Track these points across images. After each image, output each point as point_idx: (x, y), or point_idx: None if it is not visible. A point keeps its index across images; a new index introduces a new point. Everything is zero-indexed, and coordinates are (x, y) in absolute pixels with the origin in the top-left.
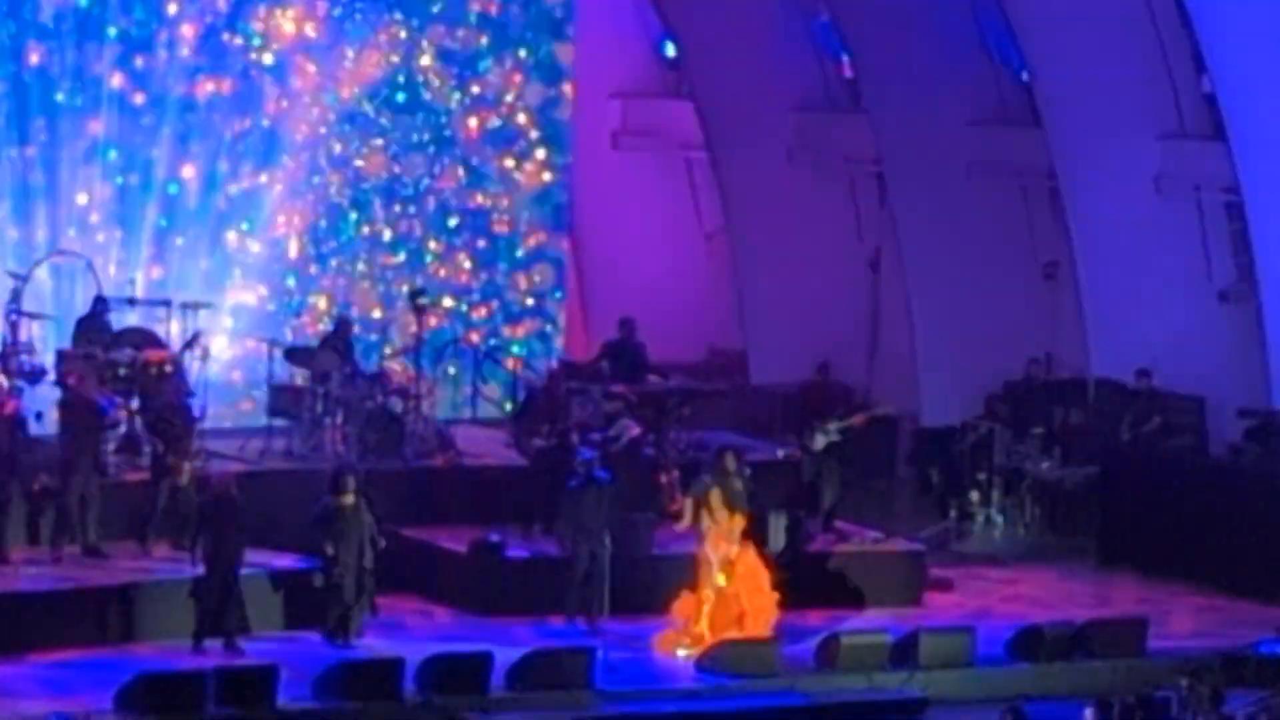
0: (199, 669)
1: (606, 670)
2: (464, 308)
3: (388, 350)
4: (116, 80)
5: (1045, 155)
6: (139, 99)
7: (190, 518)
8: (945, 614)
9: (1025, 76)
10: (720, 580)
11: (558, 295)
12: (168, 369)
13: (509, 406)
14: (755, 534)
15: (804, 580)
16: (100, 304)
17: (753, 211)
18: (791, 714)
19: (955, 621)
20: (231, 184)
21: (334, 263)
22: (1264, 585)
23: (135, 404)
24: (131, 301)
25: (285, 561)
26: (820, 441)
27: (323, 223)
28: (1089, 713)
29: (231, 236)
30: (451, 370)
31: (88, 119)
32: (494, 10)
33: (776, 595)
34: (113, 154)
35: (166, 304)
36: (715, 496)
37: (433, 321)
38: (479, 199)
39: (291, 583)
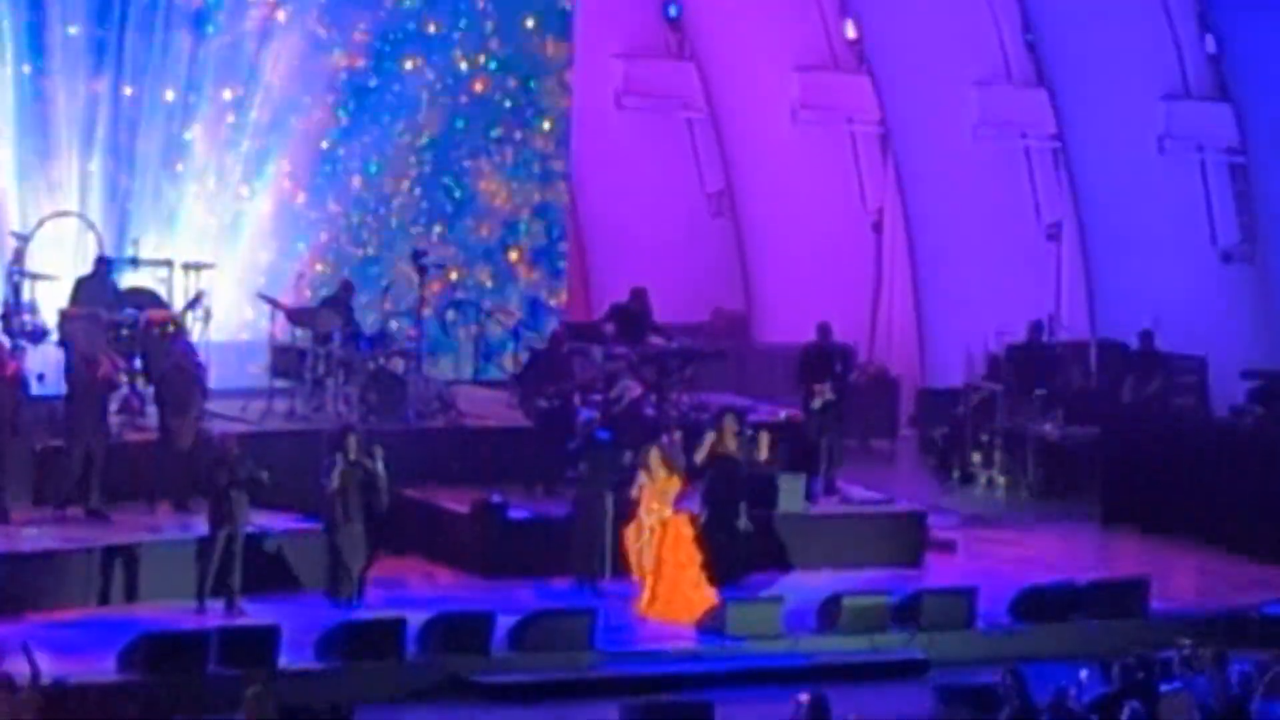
0: (201, 629)
1: (608, 631)
2: (465, 267)
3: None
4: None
5: (1049, 116)
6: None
7: (193, 479)
8: (947, 575)
9: (1030, 37)
10: (643, 538)
11: (559, 255)
12: (171, 330)
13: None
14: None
15: (807, 541)
16: (103, 264)
17: (756, 172)
18: (792, 675)
19: (957, 583)
20: (236, 144)
21: (337, 224)
22: (1266, 546)
23: (138, 364)
24: (134, 262)
25: (287, 522)
26: (817, 402)
27: (325, 183)
28: (1085, 674)
29: (235, 196)
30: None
31: (93, 80)
32: None
33: (699, 559)
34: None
35: (169, 264)
36: (654, 457)
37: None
38: (480, 159)
39: (293, 543)
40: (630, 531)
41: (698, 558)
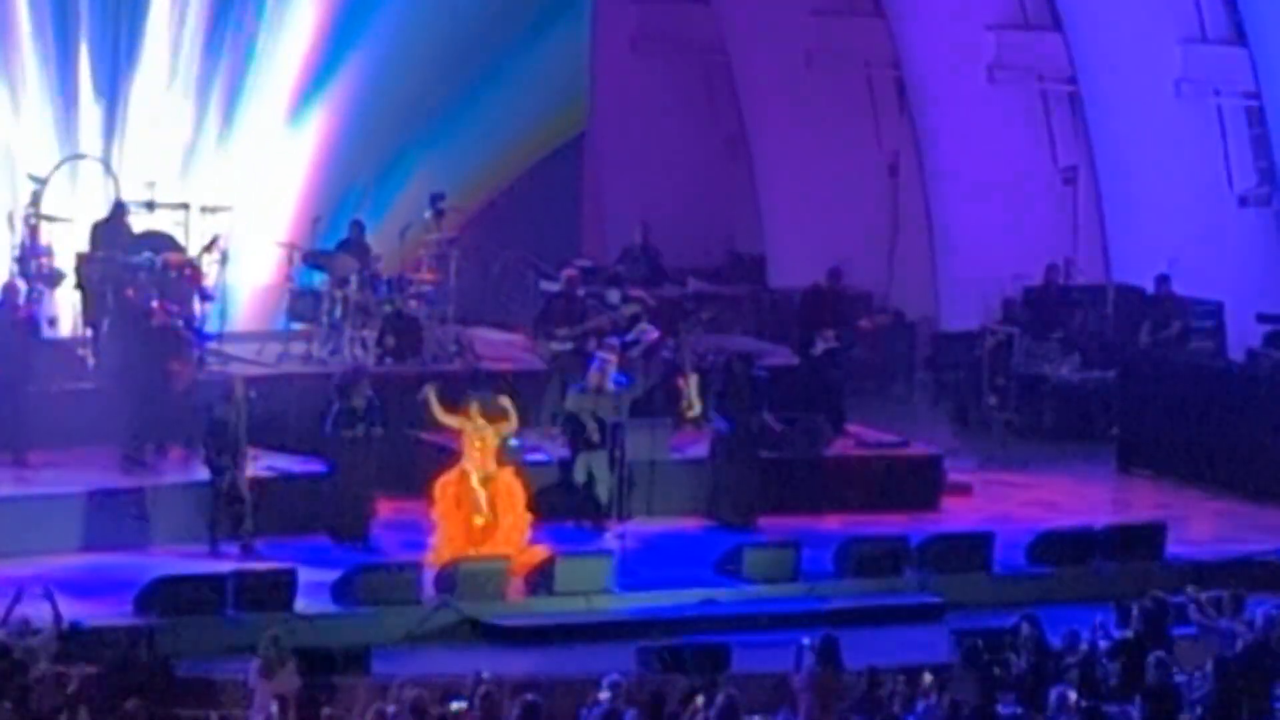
0: (217, 573)
1: (625, 573)
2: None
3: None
4: None
5: (1066, 59)
6: None
7: (201, 421)
8: (963, 519)
9: None
10: (481, 495)
11: (575, 199)
12: (187, 272)
13: None
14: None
15: (823, 484)
16: (119, 208)
17: (771, 116)
18: (809, 618)
19: (973, 527)
20: (253, 86)
21: (354, 167)
22: None
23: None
24: (150, 205)
25: (302, 465)
26: (820, 347)
27: (343, 126)
28: (1100, 620)
29: (253, 139)
30: None
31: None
32: None
33: (529, 516)
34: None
35: (185, 207)
36: (474, 408)
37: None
38: (497, 103)
39: (308, 486)
40: (446, 483)
41: (519, 512)
